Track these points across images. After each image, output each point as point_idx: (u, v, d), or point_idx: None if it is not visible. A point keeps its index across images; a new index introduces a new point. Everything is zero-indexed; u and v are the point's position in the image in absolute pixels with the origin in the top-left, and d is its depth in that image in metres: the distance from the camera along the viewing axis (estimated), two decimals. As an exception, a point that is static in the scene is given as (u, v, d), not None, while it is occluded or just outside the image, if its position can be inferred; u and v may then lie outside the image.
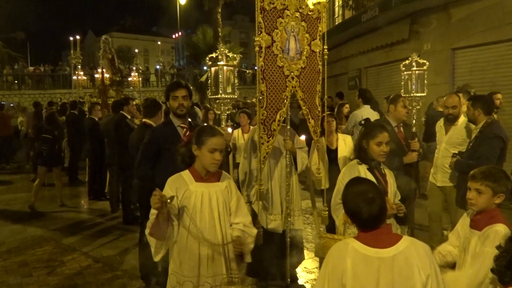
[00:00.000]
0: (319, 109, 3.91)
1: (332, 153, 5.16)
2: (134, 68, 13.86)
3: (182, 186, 2.48)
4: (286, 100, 3.58)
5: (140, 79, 14.03)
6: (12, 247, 5.56)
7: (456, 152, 4.42)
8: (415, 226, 5.64)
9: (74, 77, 12.19)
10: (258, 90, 3.34)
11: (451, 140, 4.65)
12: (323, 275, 1.84)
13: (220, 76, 3.07)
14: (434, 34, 9.66)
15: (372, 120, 5.83)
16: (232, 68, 3.15)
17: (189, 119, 3.65)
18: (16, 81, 26.21)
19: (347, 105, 8.10)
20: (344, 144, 5.09)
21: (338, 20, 14.61)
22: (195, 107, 10.52)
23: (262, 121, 3.42)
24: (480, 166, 3.25)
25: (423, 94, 4.19)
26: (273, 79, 3.46)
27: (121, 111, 6.55)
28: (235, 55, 3.15)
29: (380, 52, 11.75)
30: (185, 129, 3.55)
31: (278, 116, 3.52)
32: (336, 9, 14.79)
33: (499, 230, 2.28)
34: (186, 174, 2.54)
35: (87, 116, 9.05)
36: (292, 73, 3.62)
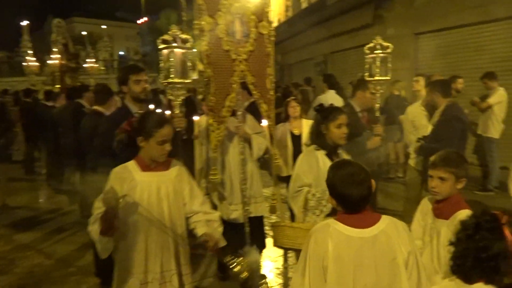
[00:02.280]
0: (271, 92, 3.78)
1: (296, 139, 5.08)
2: (91, 54, 13.26)
3: (126, 177, 2.30)
4: (235, 85, 3.43)
5: (97, 65, 13.44)
6: (-39, 246, 5.21)
7: (422, 135, 4.40)
8: (378, 211, 5.70)
9: (25, 64, 11.50)
10: (204, 76, 3.19)
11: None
12: (303, 259, 1.81)
13: (172, 59, 2.87)
14: (397, 18, 9.70)
15: (337, 105, 5.84)
16: (185, 51, 2.95)
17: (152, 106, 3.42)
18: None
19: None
20: (309, 130, 5.00)
21: (304, 5, 14.46)
22: (160, 95, 10.18)
23: (211, 108, 3.29)
24: (442, 148, 3.20)
25: (387, 78, 4.13)
26: (219, 63, 3.31)
27: (78, 99, 6.17)
28: (188, 37, 2.94)
29: (345, 37, 11.72)
30: None
31: (227, 102, 3.39)
32: (302, -7, 14.65)
33: (465, 217, 2.20)
34: (131, 164, 2.36)
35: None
36: (239, 57, 3.46)
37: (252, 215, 3.96)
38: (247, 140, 3.93)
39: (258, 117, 4.17)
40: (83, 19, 54.40)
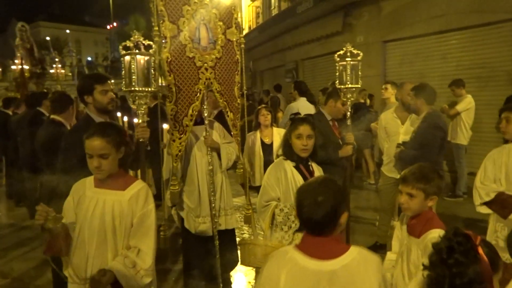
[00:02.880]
0: (239, 101, 3.71)
1: (267, 148, 5.00)
2: (57, 59, 12.82)
3: (78, 191, 2.14)
4: (200, 93, 3.35)
5: (63, 71, 13.02)
6: None
7: (402, 141, 4.38)
8: (351, 219, 5.68)
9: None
10: (166, 84, 3.10)
11: (409, 130, 4.50)
12: (257, 285, 1.70)
13: (133, 66, 2.71)
14: (366, 26, 9.82)
15: (308, 112, 5.78)
16: (148, 57, 2.80)
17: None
18: None
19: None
20: (280, 139, 4.92)
21: (274, 12, 14.50)
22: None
23: (172, 117, 3.19)
24: (423, 156, 3.11)
25: (358, 86, 4.09)
26: (182, 71, 3.23)
27: (37, 107, 5.87)
28: (151, 43, 2.80)
29: (316, 44, 11.79)
30: None
31: (190, 111, 3.30)
32: (273, 0, 14.68)
33: (436, 237, 2.11)
34: (90, 178, 2.19)
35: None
36: (205, 64, 3.39)
37: (221, 228, 3.83)
38: (216, 150, 3.80)
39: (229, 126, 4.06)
40: (49, 23, 52.88)
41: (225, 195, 3.92)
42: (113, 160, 2.10)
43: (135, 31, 2.76)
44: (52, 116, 3.85)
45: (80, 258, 2.09)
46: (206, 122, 3.63)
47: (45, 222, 1.87)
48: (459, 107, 6.54)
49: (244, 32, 17.43)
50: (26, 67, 10.58)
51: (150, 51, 2.80)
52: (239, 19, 3.79)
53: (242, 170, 3.90)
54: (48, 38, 17.17)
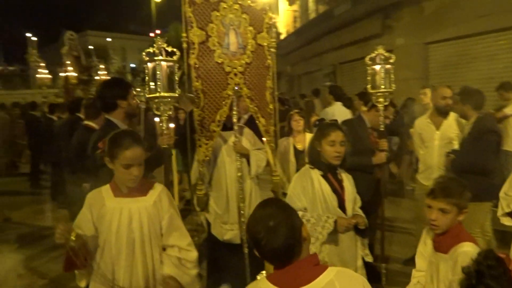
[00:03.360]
0: (271, 106, 3.62)
1: (300, 154, 4.87)
2: (102, 66, 13.32)
3: (97, 203, 2.09)
4: (228, 99, 3.30)
5: (108, 78, 13.54)
6: (-48, 264, 5.08)
7: (451, 149, 4.16)
8: (388, 228, 5.46)
9: (38, 76, 11.62)
10: (193, 90, 3.07)
11: (445, 136, 4.31)
12: None
13: (158, 72, 2.71)
14: (407, 28, 9.51)
15: (343, 117, 5.61)
16: (172, 63, 2.80)
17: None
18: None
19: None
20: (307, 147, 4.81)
21: (312, 15, 14.35)
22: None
23: (199, 122, 3.18)
24: (478, 163, 2.89)
25: (391, 90, 3.91)
26: (210, 76, 3.20)
27: (77, 113, 6.08)
28: (174, 50, 2.79)
29: (354, 47, 11.54)
30: None
31: (218, 117, 3.27)
32: (310, 4, 14.53)
33: (468, 251, 1.92)
34: (106, 188, 2.14)
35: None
36: (234, 70, 3.34)
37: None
38: (245, 156, 3.75)
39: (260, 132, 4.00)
40: (96, 32, 55.24)
41: (254, 203, 3.84)
42: (143, 169, 2.11)
43: (158, 37, 2.76)
44: (85, 122, 3.94)
45: (107, 270, 2.08)
46: (235, 128, 3.59)
47: (67, 242, 1.86)
48: (507, 110, 6.13)
49: (282, 36, 17.40)
50: (74, 74, 11.04)
51: (174, 57, 2.79)
52: (273, 22, 3.73)
53: (278, 178, 3.82)
54: (91, 47, 17.91)
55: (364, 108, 4.38)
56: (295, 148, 4.94)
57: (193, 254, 2.21)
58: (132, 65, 36.24)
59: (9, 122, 10.62)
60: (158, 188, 2.20)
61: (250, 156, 3.75)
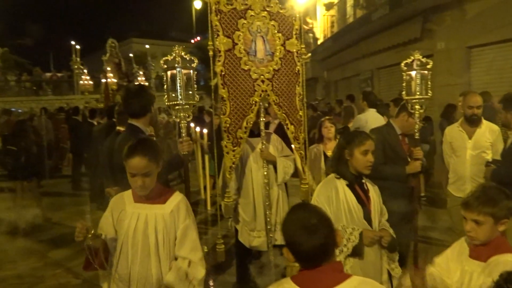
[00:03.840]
0: (300, 113, 3.58)
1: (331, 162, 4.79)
2: (141, 72, 13.72)
3: (118, 207, 2.15)
4: (255, 106, 3.30)
5: (147, 83, 13.93)
6: (-4, 259, 5.36)
7: (489, 159, 3.97)
8: (424, 240, 5.25)
9: (81, 82, 12.15)
10: (219, 97, 3.09)
11: (478, 145, 4.13)
12: None
13: (179, 79, 2.75)
14: (448, 31, 9.15)
15: (377, 124, 5.46)
16: (190, 71, 2.83)
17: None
18: (34, 87, 26.64)
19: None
20: (331, 155, 4.71)
21: (350, 20, 14.13)
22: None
23: (226, 129, 3.18)
24: None
25: (427, 97, 3.76)
26: (237, 83, 3.21)
27: (113, 119, 6.28)
28: (192, 58, 2.83)
29: (392, 52, 11.23)
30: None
31: (244, 123, 3.27)
32: (348, 9, 14.33)
33: (511, 261, 1.82)
34: (127, 193, 2.20)
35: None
36: (262, 76, 3.34)
37: (277, 243, 3.72)
38: (272, 163, 3.73)
39: (282, 139, 3.96)
40: (139, 39, 57.13)
41: (282, 209, 3.82)
42: (154, 176, 2.12)
43: (177, 46, 2.80)
44: (117, 128, 4.04)
45: (123, 273, 2.12)
46: (262, 134, 3.58)
47: (85, 239, 1.91)
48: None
49: (319, 42, 17.24)
50: (114, 80, 11.42)
51: (192, 65, 2.82)
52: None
53: (307, 186, 3.77)
54: (131, 55, 18.56)
55: (393, 113, 4.26)
56: (325, 155, 4.86)
57: (202, 272, 2.16)
58: (172, 71, 37.20)
59: (52, 127, 11.15)
60: (178, 198, 2.22)
61: (277, 163, 3.72)
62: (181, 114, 2.78)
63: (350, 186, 2.64)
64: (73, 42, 10.97)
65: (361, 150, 2.60)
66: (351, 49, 13.80)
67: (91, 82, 11.99)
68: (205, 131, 5.69)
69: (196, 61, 2.82)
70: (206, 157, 5.51)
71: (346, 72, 14.88)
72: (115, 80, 11.71)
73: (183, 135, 2.86)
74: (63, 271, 4.94)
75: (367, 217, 2.61)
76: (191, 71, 2.83)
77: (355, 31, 12.71)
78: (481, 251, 1.95)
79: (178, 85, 2.72)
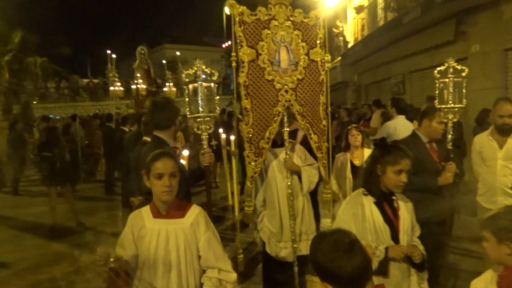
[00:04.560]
0: (324, 122, 3.56)
1: (357, 170, 4.68)
2: (170, 78, 13.95)
3: (138, 224, 2.17)
4: (278, 116, 3.29)
5: (175, 89, 14.10)
6: (32, 263, 5.58)
7: None
8: (458, 251, 5.10)
9: (112, 88, 12.49)
10: (242, 107, 3.10)
11: (510, 155, 3.96)
12: None
13: (200, 92, 2.78)
14: (483, 34, 8.82)
15: (406, 131, 5.31)
16: (212, 84, 2.87)
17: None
18: (72, 93, 27.73)
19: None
20: (363, 168, 4.61)
21: (380, 23, 13.88)
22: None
23: (249, 139, 3.19)
24: None
25: (461, 106, 3.64)
26: (260, 94, 3.21)
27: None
28: (213, 71, 2.86)
29: (424, 55, 10.94)
30: (178, 150, 3.29)
31: (267, 134, 3.27)
32: (379, 11, 14.08)
33: None
34: (146, 209, 2.22)
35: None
36: (285, 86, 3.33)
37: (302, 253, 3.69)
38: (297, 173, 3.70)
39: (310, 148, 3.93)
40: (172, 45, 58.37)
41: (307, 219, 3.78)
42: (177, 184, 2.15)
43: (197, 59, 2.84)
44: (144, 138, 4.13)
45: None
46: (286, 144, 3.56)
47: (106, 263, 1.94)
48: None
49: (349, 45, 17.02)
50: (143, 86, 11.67)
51: (213, 78, 2.85)
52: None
53: (329, 196, 3.74)
54: (164, 61, 18.95)
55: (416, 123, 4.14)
56: (352, 164, 4.78)
57: (233, 275, 2.23)
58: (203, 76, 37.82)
59: (86, 133, 11.51)
60: (196, 210, 2.24)
61: (301, 173, 3.69)
62: (203, 126, 2.81)
63: (378, 204, 2.51)
64: (108, 51, 11.27)
65: (395, 169, 2.43)
66: (382, 52, 13.54)
67: (121, 88, 12.28)
68: (232, 137, 5.72)
69: (216, 74, 2.86)
70: (234, 162, 5.53)
71: (377, 75, 14.62)
72: (144, 86, 11.95)
73: (205, 147, 2.89)
74: (94, 276, 5.08)
75: (395, 237, 2.48)
76: (212, 84, 2.85)
77: (386, 34, 12.47)
78: (503, 278, 1.87)
79: (199, 98, 2.76)
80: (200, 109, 2.78)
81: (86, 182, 11.10)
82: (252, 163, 3.27)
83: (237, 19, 3.12)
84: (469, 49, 9.11)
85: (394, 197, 2.55)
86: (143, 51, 11.85)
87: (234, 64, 3.16)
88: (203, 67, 2.80)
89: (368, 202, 2.50)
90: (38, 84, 26.28)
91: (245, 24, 3.17)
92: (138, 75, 11.95)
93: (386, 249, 2.39)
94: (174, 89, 13.94)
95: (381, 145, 2.66)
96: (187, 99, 2.90)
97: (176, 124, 3.16)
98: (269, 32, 3.26)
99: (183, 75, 2.88)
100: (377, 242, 2.44)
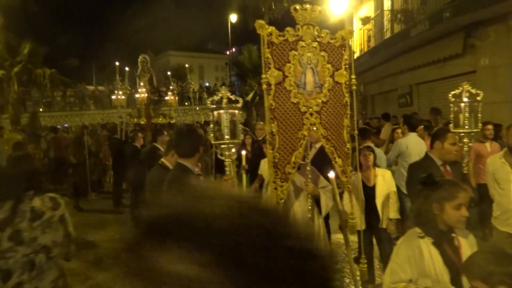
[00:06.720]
0: (348, 146, 3.49)
1: (369, 191, 4.64)
2: (171, 87, 13.70)
3: None
4: (303, 140, 3.23)
5: (177, 98, 13.84)
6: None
7: None
8: None
9: (114, 97, 12.45)
10: (268, 131, 3.05)
11: None
12: None
13: (226, 119, 2.80)
14: (492, 47, 8.83)
15: (419, 149, 5.29)
16: (236, 111, 2.88)
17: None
18: (77, 101, 27.87)
19: (398, 130, 6.95)
20: (383, 181, 4.58)
21: (387, 34, 13.92)
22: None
23: (275, 164, 3.11)
24: None
25: (477, 130, 3.62)
26: (286, 117, 3.14)
27: (154, 143, 6.43)
28: (237, 98, 2.87)
29: (432, 67, 10.95)
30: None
31: (293, 158, 3.18)
32: (385, 22, 14.12)
33: None
34: None
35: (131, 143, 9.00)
36: (310, 109, 3.26)
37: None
38: (316, 197, 3.69)
39: (322, 165, 3.93)
40: (177, 52, 58.66)
41: (322, 240, 3.79)
42: None
43: (222, 87, 2.86)
44: (162, 160, 4.08)
45: None
46: (308, 168, 3.54)
47: None
48: None
49: (355, 55, 17.05)
50: (145, 95, 11.66)
51: (238, 105, 2.86)
52: (350, 61, 3.61)
53: (355, 221, 3.70)
54: (169, 73, 18.90)
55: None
56: (363, 184, 4.74)
57: None
58: (207, 84, 37.84)
59: (95, 144, 11.50)
60: None
61: (320, 197, 3.68)
62: (226, 153, 2.82)
63: (436, 244, 2.33)
64: (117, 63, 11.25)
65: (454, 205, 2.28)
66: (389, 63, 13.56)
67: (123, 97, 12.19)
68: (243, 152, 5.71)
69: (241, 101, 2.86)
70: (244, 178, 5.52)
71: (383, 86, 14.62)
72: (146, 95, 11.94)
73: (228, 173, 2.90)
74: (108, 294, 5.07)
75: (456, 280, 2.26)
76: (236, 111, 2.86)
77: (393, 46, 12.49)
78: None
79: (224, 125, 2.77)
80: (226, 136, 2.79)
81: (94, 191, 11.08)
82: (279, 189, 3.17)
83: (265, 39, 3.06)
84: (477, 63, 9.11)
85: (453, 234, 2.37)
86: (145, 60, 11.82)
87: (264, 86, 3.09)
88: (228, 94, 2.81)
89: (426, 245, 2.33)
90: (45, 93, 26.45)
91: (273, 45, 3.11)
92: (141, 84, 11.93)
93: None
94: (176, 97, 13.60)
95: (429, 182, 2.45)
96: (211, 125, 2.91)
97: (200, 151, 3.15)
98: (296, 53, 3.20)
99: (208, 102, 2.89)
100: (438, 287, 2.29)
